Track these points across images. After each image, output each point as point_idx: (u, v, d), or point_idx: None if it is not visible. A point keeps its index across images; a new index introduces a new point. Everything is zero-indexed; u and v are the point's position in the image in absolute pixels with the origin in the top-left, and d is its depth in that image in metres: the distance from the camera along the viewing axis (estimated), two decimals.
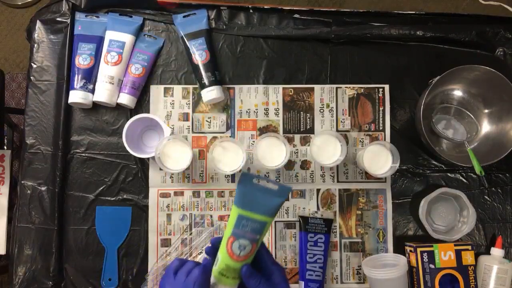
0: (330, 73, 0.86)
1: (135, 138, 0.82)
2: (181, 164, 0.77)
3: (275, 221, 0.83)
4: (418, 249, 0.77)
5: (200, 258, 0.81)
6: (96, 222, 0.82)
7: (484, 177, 0.85)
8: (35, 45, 0.84)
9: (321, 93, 0.85)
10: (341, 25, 0.85)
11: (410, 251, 0.80)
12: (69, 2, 0.83)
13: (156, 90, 0.84)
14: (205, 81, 0.80)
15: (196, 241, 0.82)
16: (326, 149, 0.79)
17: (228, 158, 0.78)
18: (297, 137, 0.84)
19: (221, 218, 0.83)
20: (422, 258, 0.77)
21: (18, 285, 0.79)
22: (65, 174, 0.82)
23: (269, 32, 0.85)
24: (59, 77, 0.83)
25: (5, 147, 1.23)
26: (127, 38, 0.82)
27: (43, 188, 0.81)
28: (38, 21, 0.84)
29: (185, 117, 0.84)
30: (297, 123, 0.85)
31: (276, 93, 0.85)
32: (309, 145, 0.83)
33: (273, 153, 0.78)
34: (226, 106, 0.84)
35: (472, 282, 0.77)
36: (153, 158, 0.80)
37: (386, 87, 0.86)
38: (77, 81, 0.80)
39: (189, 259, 0.79)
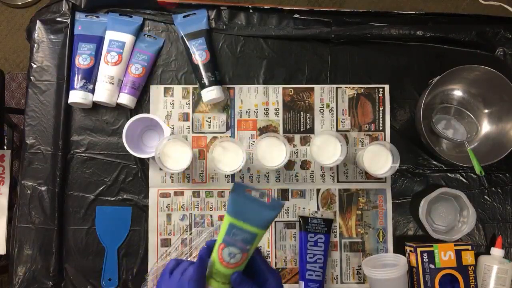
0: (330, 73, 0.85)
1: (135, 138, 0.82)
2: (181, 164, 0.77)
3: (275, 221, 0.83)
4: (418, 249, 0.77)
5: None
6: (96, 222, 0.82)
7: (484, 177, 0.85)
8: (35, 45, 0.84)
9: (321, 93, 0.85)
10: (341, 25, 0.85)
11: (410, 251, 0.80)
12: (69, 2, 0.83)
13: (156, 90, 0.84)
14: (205, 81, 0.80)
15: (196, 241, 0.82)
16: (326, 149, 0.79)
17: (228, 158, 0.78)
18: (297, 137, 0.84)
19: (221, 218, 0.83)
20: (422, 258, 0.77)
21: (18, 285, 0.79)
22: (65, 174, 0.82)
23: (269, 32, 0.85)
24: (59, 77, 0.83)
25: (5, 147, 1.23)
26: (127, 38, 0.82)
27: (43, 188, 0.81)
28: (38, 21, 0.84)
29: (185, 117, 0.84)
30: (297, 123, 0.85)
31: (276, 93, 0.85)
32: (309, 145, 0.83)
33: (273, 153, 0.78)
34: (226, 106, 0.84)
35: (472, 282, 0.77)
36: (153, 158, 0.80)
37: (386, 87, 0.86)
38: (77, 81, 0.80)
39: (189, 259, 0.80)
